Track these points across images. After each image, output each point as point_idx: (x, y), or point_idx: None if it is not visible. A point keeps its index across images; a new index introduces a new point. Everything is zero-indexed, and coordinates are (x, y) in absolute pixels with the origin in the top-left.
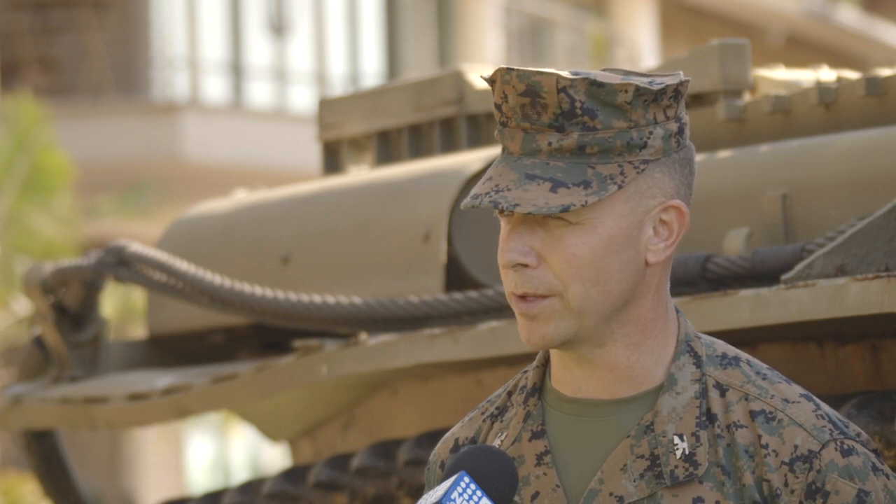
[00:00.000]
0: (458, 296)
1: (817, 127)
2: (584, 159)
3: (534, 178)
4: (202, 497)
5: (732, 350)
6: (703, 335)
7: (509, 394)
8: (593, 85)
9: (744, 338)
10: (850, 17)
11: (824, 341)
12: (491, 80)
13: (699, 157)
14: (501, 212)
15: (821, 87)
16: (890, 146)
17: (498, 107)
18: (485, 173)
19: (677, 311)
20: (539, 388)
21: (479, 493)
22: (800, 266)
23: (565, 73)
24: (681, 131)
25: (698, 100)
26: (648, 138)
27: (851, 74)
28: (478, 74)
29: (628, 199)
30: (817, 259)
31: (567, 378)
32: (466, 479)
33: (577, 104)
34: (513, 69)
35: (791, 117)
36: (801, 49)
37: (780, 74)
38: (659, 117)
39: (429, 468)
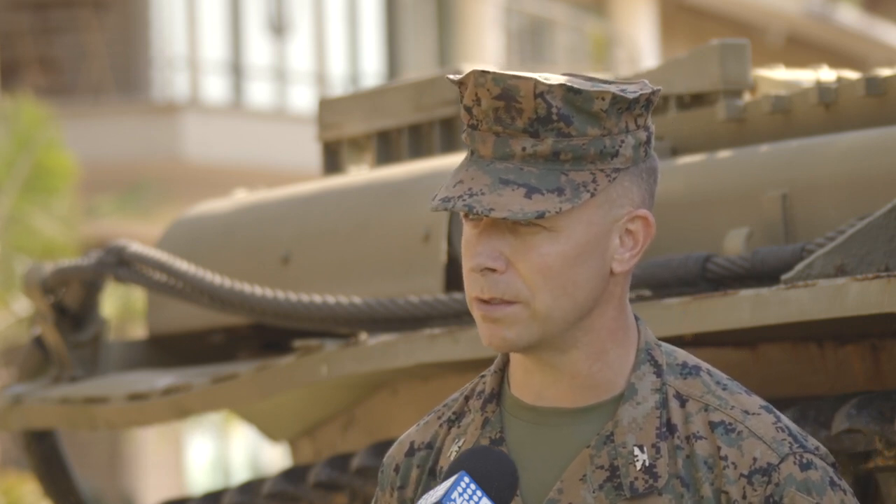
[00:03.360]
0: (458, 296)
1: (817, 127)
2: (558, 166)
3: (508, 183)
4: (202, 497)
5: (693, 359)
6: (664, 343)
7: (466, 398)
8: (570, 91)
9: (744, 338)
10: (850, 17)
11: (824, 341)
12: (460, 83)
13: (699, 158)
14: (467, 216)
15: (821, 87)
16: (890, 146)
17: (468, 109)
18: (454, 176)
19: (637, 319)
20: (497, 394)
21: (479, 493)
22: (800, 266)
23: (542, 79)
24: (648, 140)
25: (698, 100)
26: (620, 146)
27: (851, 74)
28: (451, 75)
29: (599, 207)
30: (817, 259)
31: (527, 384)
32: (466, 479)
33: (554, 110)
34: (488, 71)
35: (791, 117)
36: (801, 49)
37: (780, 74)
38: (630, 126)
39: (382, 471)
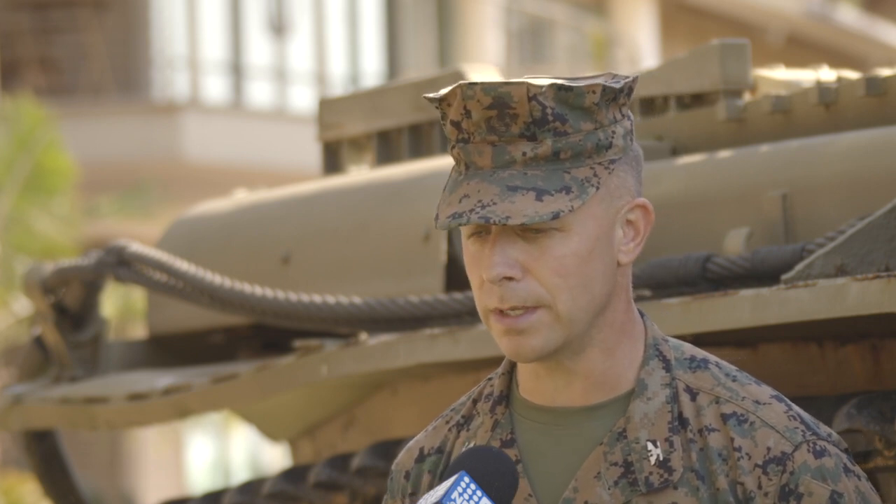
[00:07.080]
0: (458, 296)
1: (817, 127)
2: (559, 165)
3: (516, 190)
4: (202, 497)
5: (700, 352)
6: (670, 338)
7: (474, 402)
8: (561, 90)
9: (744, 338)
10: (850, 17)
11: (824, 341)
12: (442, 99)
13: (699, 157)
14: (474, 233)
15: (821, 87)
16: (890, 146)
17: (456, 124)
18: (453, 192)
19: (642, 314)
20: (506, 396)
21: (479, 493)
22: (800, 266)
23: (533, 81)
24: (632, 128)
25: (698, 100)
26: (612, 137)
27: (851, 74)
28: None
29: (602, 201)
30: (817, 259)
31: (538, 388)
32: (466, 479)
33: (549, 110)
34: (475, 83)
35: (791, 117)
36: (801, 49)
37: (780, 74)
38: (617, 116)
39: (392, 478)
